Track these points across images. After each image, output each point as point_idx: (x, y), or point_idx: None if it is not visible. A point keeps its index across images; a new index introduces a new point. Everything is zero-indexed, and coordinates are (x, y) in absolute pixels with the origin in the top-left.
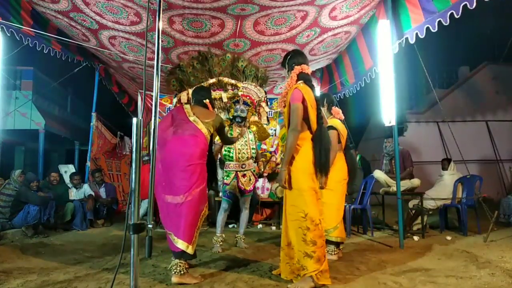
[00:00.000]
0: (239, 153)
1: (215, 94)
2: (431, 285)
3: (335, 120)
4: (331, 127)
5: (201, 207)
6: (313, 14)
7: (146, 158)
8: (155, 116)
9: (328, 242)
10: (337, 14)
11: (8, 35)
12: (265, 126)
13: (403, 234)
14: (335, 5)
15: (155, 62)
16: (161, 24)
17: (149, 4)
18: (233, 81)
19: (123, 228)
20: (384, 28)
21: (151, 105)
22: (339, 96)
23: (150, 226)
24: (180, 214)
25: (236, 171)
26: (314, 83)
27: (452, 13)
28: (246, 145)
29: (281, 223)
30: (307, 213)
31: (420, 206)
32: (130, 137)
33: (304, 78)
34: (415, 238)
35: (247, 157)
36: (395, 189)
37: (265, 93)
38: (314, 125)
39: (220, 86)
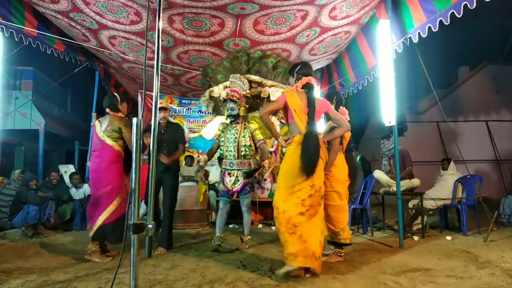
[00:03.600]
0: (226, 151)
1: (223, 93)
2: (431, 285)
3: None
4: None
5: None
6: (313, 14)
7: (145, 157)
8: (155, 116)
9: (336, 244)
10: (337, 14)
11: (7, 35)
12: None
13: (403, 234)
14: (335, 5)
15: (155, 62)
16: (161, 24)
17: (149, 3)
18: (257, 79)
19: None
20: (384, 28)
21: (151, 105)
22: None
23: (150, 226)
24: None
25: (225, 170)
26: (314, 83)
27: (453, 13)
28: (235, 142)
29: None
30: (275, 205)
31: (420, 206)
32: None
33: (308, 87)
34: (415, 238)
35: (234, 156)
36: (395, 189)
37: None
38: (303, 129)
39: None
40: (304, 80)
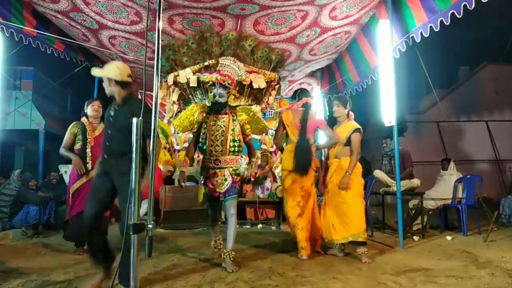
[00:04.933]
0: (211, 145)
1: (210, 77)
2: (431, 285)
3: (356, 123)
4: (358, 130)
5: None
6: (313, 14)
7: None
8: (155, 116)
9: (359, 243)
10: (337, 14)
11: (7, 35)
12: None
13: (403, 234)
14: (335, 5)
15: (155, 62)
16: (161, 24)
17: (149, 3)
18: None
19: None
20: (384, 28)
21: (151, 105)
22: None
23: (150, 226)
24: None
25: (208, 169)
26: (314, 83)
27: (453, 13)
28: (223, 136)
29: (294, 219)
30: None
31: (420, 206)
32: None
33: (305, 106)
34: (415, 238)
35: (222, 151)
36: (395, 189)
37: (279, 78)
38: (294, 140)
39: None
40: (304, 100)
